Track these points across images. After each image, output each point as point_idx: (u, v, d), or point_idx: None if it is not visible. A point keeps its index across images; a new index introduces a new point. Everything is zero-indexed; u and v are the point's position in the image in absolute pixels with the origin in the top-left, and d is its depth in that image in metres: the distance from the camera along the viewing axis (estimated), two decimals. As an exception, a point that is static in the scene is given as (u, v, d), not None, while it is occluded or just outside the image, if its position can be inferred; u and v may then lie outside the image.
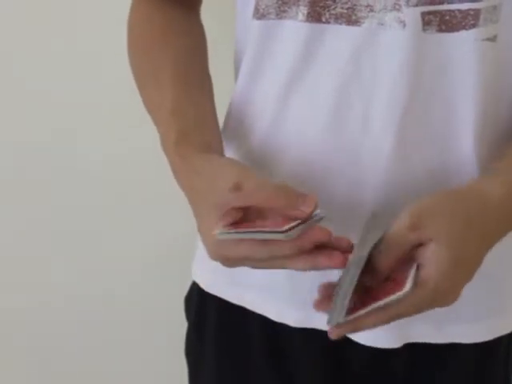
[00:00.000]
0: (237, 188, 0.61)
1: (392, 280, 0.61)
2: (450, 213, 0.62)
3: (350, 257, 0.60)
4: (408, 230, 0.60)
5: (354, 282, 0.58)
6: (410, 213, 0.61)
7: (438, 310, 0.73)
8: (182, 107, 0.71)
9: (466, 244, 0.61)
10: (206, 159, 0.66)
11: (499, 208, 0.64)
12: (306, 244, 0.60)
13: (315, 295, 0.62)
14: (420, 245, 0.61)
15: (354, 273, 0.58)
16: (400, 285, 0.60)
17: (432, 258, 0.60)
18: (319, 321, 0.67)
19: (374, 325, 0.61)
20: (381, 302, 0.60)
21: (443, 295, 0.62)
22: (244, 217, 0.62)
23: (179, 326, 0.89)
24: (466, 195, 0.64)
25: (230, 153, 0.74)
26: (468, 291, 0.73)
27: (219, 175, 0.63)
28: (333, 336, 0.61)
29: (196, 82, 0.75)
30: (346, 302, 0.59)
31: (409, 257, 0.61)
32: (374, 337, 0.73)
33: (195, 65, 0.76)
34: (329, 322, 0.60)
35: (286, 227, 0.59)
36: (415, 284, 0.59)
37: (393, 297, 0.59)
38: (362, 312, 0.60)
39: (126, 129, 1.16)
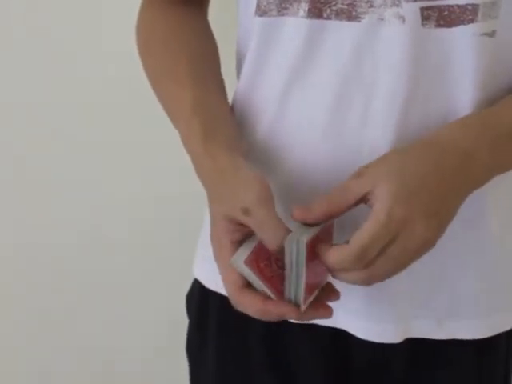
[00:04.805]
0: (245, 213, 0.62)
1: None
2: (396, 159, 0.63)
3: None
4: (351, 178, 0.63)
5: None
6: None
7: (438, 305, 0.74)
8: (203, 103, 0.71)
9: (416, 176, 0.61)
10: (233, 164, 0.66)
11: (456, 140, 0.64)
12: (310, 317, 0.64)
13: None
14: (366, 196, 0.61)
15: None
16: None
17: (378, 193, 0.60)
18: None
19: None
20: None
21: (404, 224, 0.60)
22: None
23: (180, 323, 0.89)
24: (416, 143, 0.64)
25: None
26: (469, 288, 0.74)
27: (238, 190, 0.63)
28: None
29: (212, 78, 0.75)
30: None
31: None
32: (375, 332, 0.74)
33: (210, 63, 0.77)
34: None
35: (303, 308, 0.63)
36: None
37: None
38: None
39: (127, 128, 1.17)
